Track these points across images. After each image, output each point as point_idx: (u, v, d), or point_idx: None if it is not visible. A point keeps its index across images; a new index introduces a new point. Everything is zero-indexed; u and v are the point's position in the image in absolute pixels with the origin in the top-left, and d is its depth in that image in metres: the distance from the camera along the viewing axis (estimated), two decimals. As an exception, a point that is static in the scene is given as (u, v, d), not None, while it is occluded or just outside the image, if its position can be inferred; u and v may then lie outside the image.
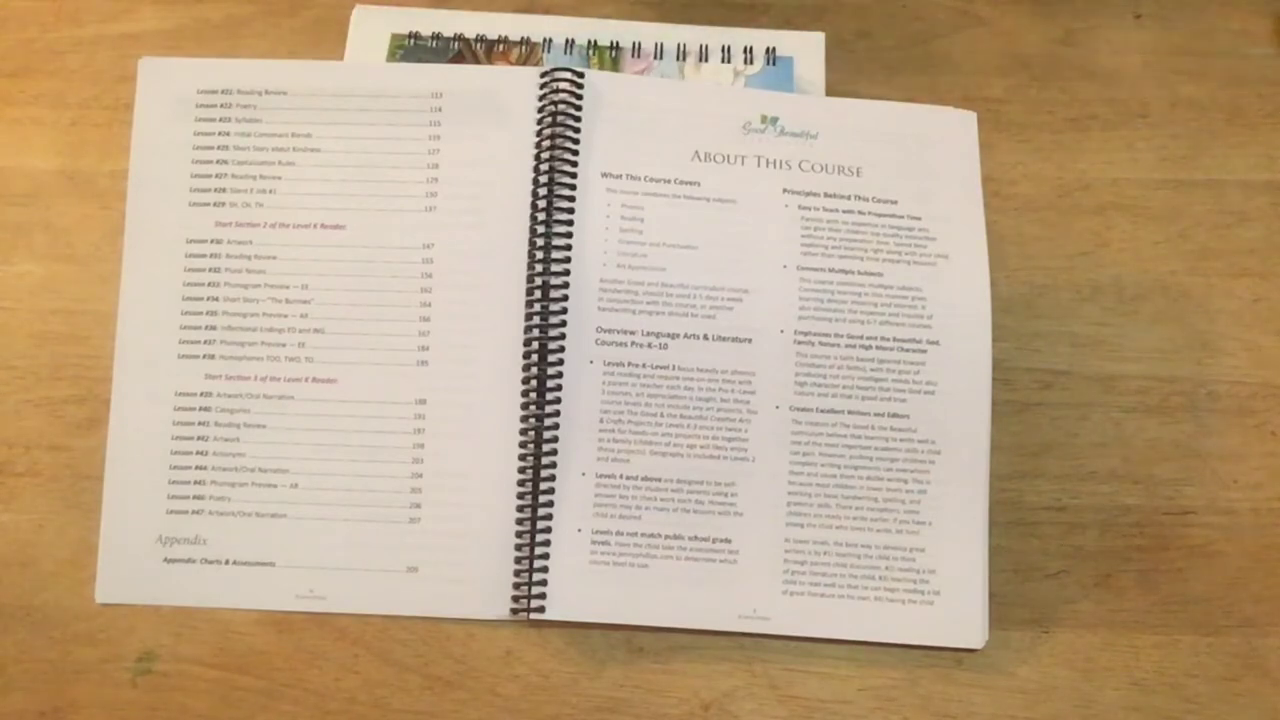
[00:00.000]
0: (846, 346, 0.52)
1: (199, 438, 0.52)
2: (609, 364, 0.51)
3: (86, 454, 0.52)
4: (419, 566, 0.51)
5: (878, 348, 0.52)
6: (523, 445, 0.51)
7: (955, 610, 0.50)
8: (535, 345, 0.52)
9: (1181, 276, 0.56)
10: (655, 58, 0.59)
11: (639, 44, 0.60)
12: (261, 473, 0.52)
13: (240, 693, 0.49)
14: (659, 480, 0.51)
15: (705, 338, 0.52)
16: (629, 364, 0.51)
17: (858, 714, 0.49)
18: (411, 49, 0.59)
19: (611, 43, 0.60)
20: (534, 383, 0.51)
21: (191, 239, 0.53)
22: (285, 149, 0.54)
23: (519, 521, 0.51)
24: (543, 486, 0.51)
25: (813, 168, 0.54)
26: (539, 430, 0.51)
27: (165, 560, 0.51)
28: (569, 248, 0.52)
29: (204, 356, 0.52)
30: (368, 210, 0.53)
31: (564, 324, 0.51)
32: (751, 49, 0.59)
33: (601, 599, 0.50)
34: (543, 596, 0.50)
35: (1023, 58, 0.60)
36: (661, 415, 0.51)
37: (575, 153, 0.53)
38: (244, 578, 0.51)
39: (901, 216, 0.54)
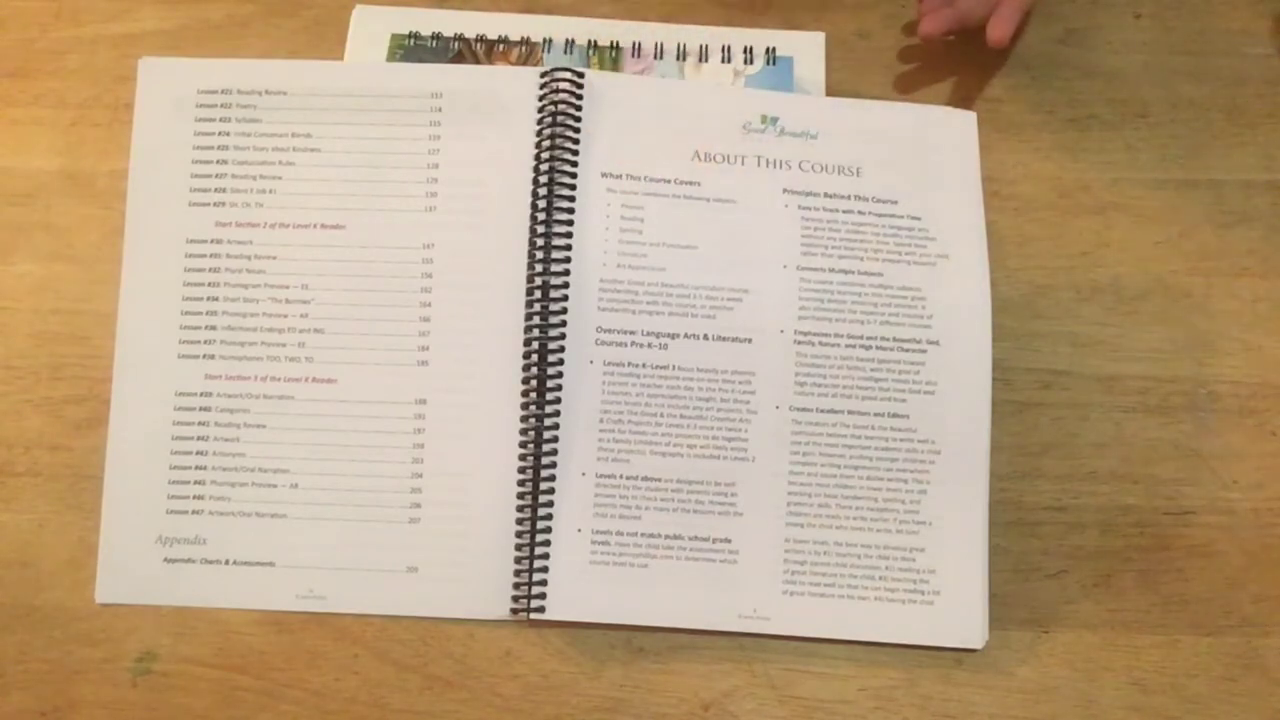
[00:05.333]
0: (846, 346, 0.52)
1: (199, 438, 0.52)
2: (609, 364, 0.51)
3: (86, 454, 0.52)
4: (419, 566, 0.51)
5: (878, 348, 0.52)
6: (523, 445, 0.51)
7: (955, 610, 0.50)
8: (535, 345, 0.52)
9: (1181, 276, 0.56)
10: (655, 58, 0.59)
11: (639, 44, 0.60)
12: (261, 473, 0.52)
13: (240, 693, 0.49)
14: (659, 480, 0.51)
15: (705, 338, 0.52)
16: (629, 364, 0.51)
17: (858, 714, 0.49)
18: (411, 49, 0.59)
19: (611, 43, 0.60)
20: (534, 383, 0.51)
21: (191, 239, 0.53)
22: (285, 149, 0.54)
23: (519, 521, 0.51)
24: (543, 486, 0.51)
25: (813, 168, 0.54)
26: (539, 430, 0.51)
27: (165, 560, 0.51)
28: (569, 248, 0.52)
29: (204, 356, 0.52)
30: (368, 210, 0.53)
31: (564, 324, 0.51)
32: (751, 49, 0.59)
33: (601, 599, 0.50)
34: (543, 596, 0.50)
35: (1023, 58, 0.60)
36: (661, 415, 0.51)
37: (575, 153, 0.53)
38: (244, 578, 0.51)
39: (901, 216, 0.54)
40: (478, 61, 0.59)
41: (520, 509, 0.51)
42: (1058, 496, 0.53)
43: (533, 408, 0.51)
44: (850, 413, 0.52)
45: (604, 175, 0.53)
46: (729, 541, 0.51)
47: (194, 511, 0.51)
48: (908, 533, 0.51)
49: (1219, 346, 0.55)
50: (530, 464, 0.51)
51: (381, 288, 0.53)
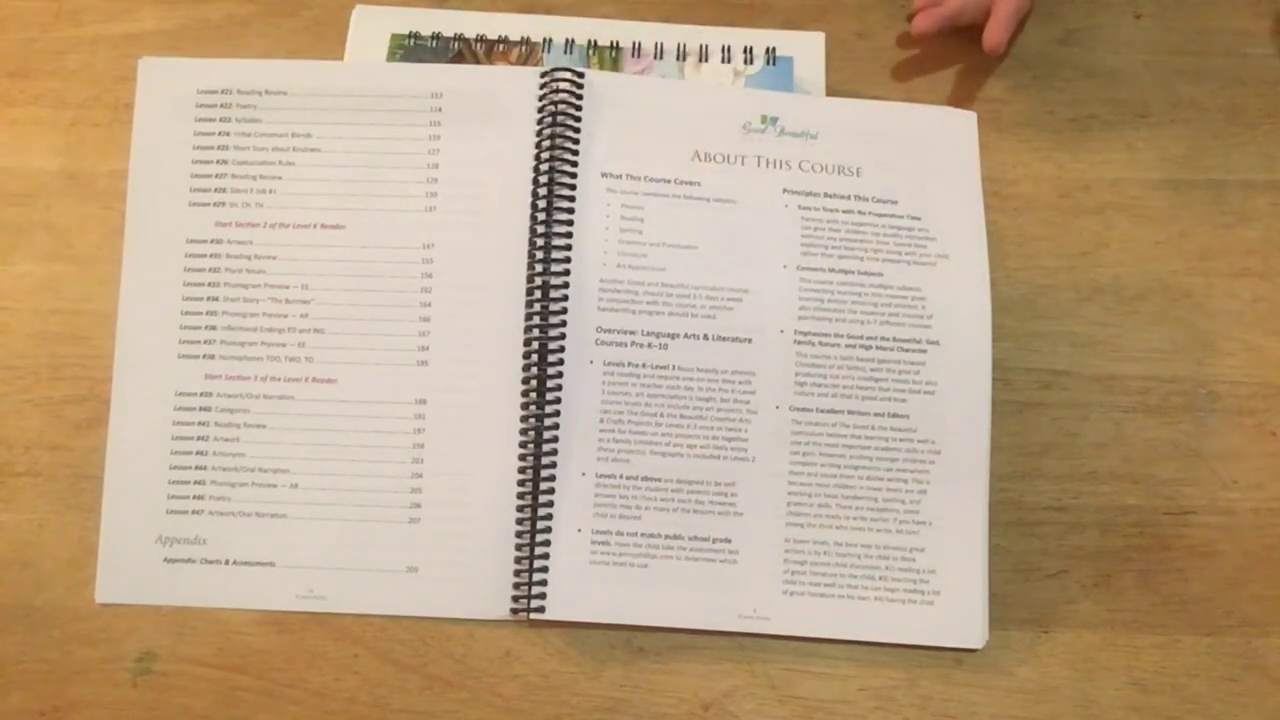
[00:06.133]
0: (846, 346, 0.52)
1: (199, 438, 0.52)
2: (609, 364, 0.51)
3: (86, 454, 0.52)
4: (419, 566, 0.51)
5: (878, 348, 0.52)
6: (523, 445, 0.51)
7: (955, 610, 0.50)
8: (535, 345, 0.52)
9: (1181, 276, 0.56)
10: (655, 58, 0.59)
11: (639, 44, 0.60)
12: (261, 473, 0.52)
13: (240, 693, 0.49)
14: (659, 480, 0.51)
15: (705, 338, 0.52)
16: (629, 364, 0.51)
17: (858, 714, 0.49)
18: (411, 49, 0.59)
19: (611, 43, 0.60)
20: (534, 383, 0.51)
21: (191, 239, 0.53)
22: (285, 149, 0.54)
23: (519, 521, 0.51)
24: (543, 486, 0.51)
25: (813, 168, 0.54)
26: (539, 430, 0.51)
27: (165, 560, 0.51)
28: (569, 248, 0.52)
29: (204, 356, 0.52)
30: (368, 210, 0.53)
31: (564, 324, 0.51)
32: (751, 49, 0.59)
33: (601, 599, 0.50)
34: (543, 596, 0.50)
35: (1023, 58, 0.60)
36: (661, 415, 0.51)
37: (575, 153, 0.53)
38: (244, 578, 0.51)
39: (901, 216, 0.54)
40: (478, 61, 0.59)
41: (520, 509, 0.51)
42: (1058, 496, 0.53)
43: (533, 408, 0.51)
44: (850, 413, 0.52)
45: (604, 175, 0.53)
46: (729, 541, 0.51)
47: (194, 511, 0.51)
48: (908, 533, 0.51)
49: (1219, 346, 0.55)
50: (530, 464, 0.51)
51: (381, 288, 0.53)
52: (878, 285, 0.53)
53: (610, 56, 0.59)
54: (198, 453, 0.52)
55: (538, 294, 0.52)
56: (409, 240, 0.53)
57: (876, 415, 0.52)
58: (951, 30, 0.59)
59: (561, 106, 0.54)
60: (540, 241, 0.52)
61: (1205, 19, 0.61)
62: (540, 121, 0.54)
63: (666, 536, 0.51)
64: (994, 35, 0.58)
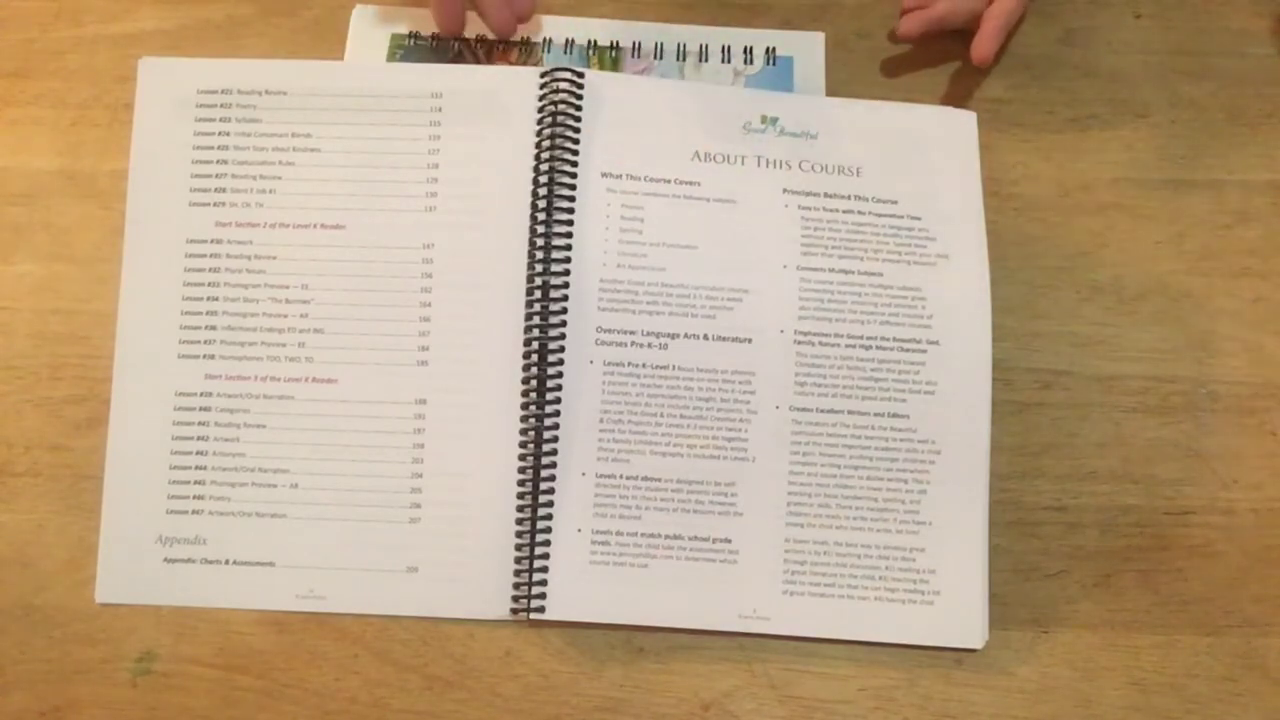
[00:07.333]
0: (846, 346, 0.52)
1: (199, 438, 0.52)
2: (609, 364, 0.51)
3: (86, 454, 0.52)
4: (419, 566, 0.51)
5: (878, 348, 0.52)
6: (523, 445, 0.51)
7: (955, 610, 0.50)
8: (535, 345, 0.52)
9: (1181, 276, 0.56)
10: (655, 58, 0.59)
11: (639, 44, 0.60)
12: (261, 473, 0.52)
13: (240, 693, 0.49)
14: (659, 480, 0.51)
15: (705, 338, 0.52)
16: (629, 364, 0.51)
17: (858, 714, 0.49)
18: (411, 49, 0.59)
19: (611, 43, 0.60)
20: (534, 383, 0.51)
21: (191, 239, 0.53)
22: (285, 149, 0.54)
23: (519, 521, 0.51)
24: (543, 486, 0.51)
25: (813, 168, 0.54)
26: (539, 430, 0.51)
27: (165, 560, 0.51)
28: (569, 248, 0.52)
29: (204, 356, 0.52)
30: (368, 210, 0.53)
31: (564, 324, 0.51)
32: (751, 49, 0.59)
33: (601, 599, 0.50)
34: (543, 596, 0.50)
35: (1023, 58, 0.60)
36: (661, 415, 0.51)
37: (575, 153, 0.53)
38: (244, 578, 0.51)
39: (901, 216, 0.54)
40: (478, 61, 0.59)
41: (520, 509, 0.51)
42: (1058, 496, 0.53)
43: (533, 408, 0.51)
44: (850, 413, 0.52)
45: (604, 175, 0.53)
46: (729, 541, 0.51)
47: (194, 511, 0.51)
48: (908, 533, 0.51)
49: (1219, 346, 0.55)
50: (530, 464, 0.51)
51: (381, 288, 0.53)
52: (878, 285, 0.53)
53: (610, 56, 0.59)
54: (198, 453, 0.52)
55: (538, 294, 0.52)
56: (409, 240, 0.53)
57: (876, 415, 0.52)
58: (939, 33, 0.59)
59: (561, 106, 0.54)
60: (540, 241, 0.52)
61: (1205, 19, 0.61)
62: (540, 121, 0.54)
63: (666, 536, 0.51)
64: (982, 47, 0.57)
